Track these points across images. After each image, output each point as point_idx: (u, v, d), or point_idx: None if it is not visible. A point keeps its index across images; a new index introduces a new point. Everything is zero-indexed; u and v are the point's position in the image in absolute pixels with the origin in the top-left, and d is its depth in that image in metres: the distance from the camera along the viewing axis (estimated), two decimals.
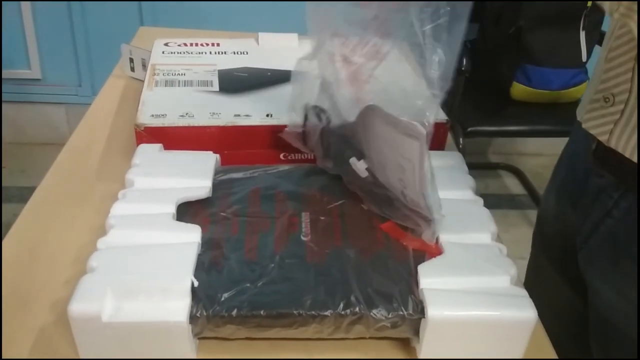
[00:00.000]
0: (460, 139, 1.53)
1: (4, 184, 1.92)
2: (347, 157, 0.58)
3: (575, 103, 1.70)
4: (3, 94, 2.04)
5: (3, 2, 1.88)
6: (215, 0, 1.89)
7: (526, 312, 0.47)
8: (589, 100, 0.59)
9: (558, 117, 1.66)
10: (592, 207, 0.59)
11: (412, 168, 0.51)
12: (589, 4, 1.58)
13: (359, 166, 0.57)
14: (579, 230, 0.62)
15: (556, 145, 2.54)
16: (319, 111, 0.62)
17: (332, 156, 0.62)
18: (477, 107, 1.64)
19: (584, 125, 0.59)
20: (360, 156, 0.58)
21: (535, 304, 0.48)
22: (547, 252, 0.72)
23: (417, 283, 0.49)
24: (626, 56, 0.54)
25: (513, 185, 2.15)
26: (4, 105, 2.07)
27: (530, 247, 0.78)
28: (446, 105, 0.64)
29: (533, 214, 2.03)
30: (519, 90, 1.65)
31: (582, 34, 1.60)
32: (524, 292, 0.49)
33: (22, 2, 1.87)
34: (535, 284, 0.74)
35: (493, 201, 1.98)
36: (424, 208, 0.52)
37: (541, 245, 0.74)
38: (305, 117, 0.63)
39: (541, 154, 2.26)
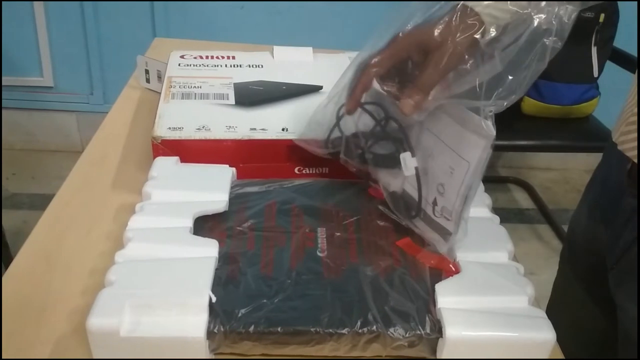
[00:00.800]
0: None
1: (14, 190, 1.93)
2: (394, 153, 0.58)
3: (586, 118, 1.70)
4: (15, 101, 2.06)
5: (16, 10, 1.89)
6: (225, 7, 1.90)
7: (544, 334, 0.46)
8: (625, 122, 0.59)
9: (569, 132, 1.66)
10: (625, 228, 0.59)
11: (465, 170, 0.50)
12: (601, 19, 1.58)
13: (409, 163, 0.56)
14: (610, 250, 0.62)
15: (566, 160, 2.53)
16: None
17: (362, 153, 0.61)
18: None
19: (619, 147, 0.59)
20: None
21: (558, 321, 0.48)
22: (575, 271, 0.72)
23: (434, 302, 0.48)
24: None
25: (522, 200, 2.14)
26: (15, 112, 2.09)
27: (558, 265, 0.78)
28: None
29: (542, 229, 2.02)
30: (530, 104, 1.65)
31: (594, 50, 1.60)
32: (542, 313, 0.48)
33: (35, 10, 1.89)
34: (561, 301, 0.74)
35: (502, 215, 1.96)
36: (455, 216, 0.52)
37: (569, 263, 0.74)
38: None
39: (551, 169, 2.25)
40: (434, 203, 0.54)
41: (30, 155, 2.16)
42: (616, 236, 0.60)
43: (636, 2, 1.55)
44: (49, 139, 2.15)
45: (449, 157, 0.52)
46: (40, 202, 1.84)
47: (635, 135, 0.57)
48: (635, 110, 0.57)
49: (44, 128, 2.14)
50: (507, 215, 2.05)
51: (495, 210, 0.62)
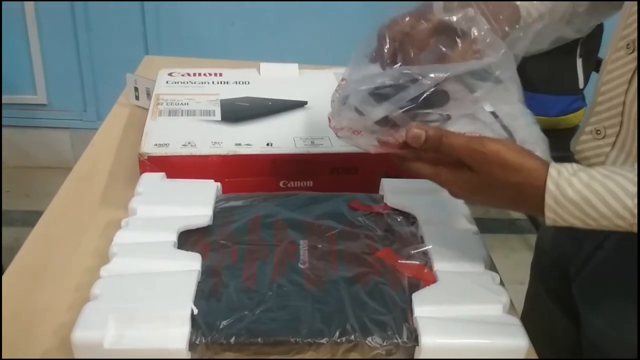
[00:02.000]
0: None
1: (7, 207, 1.93)
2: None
3: (573, 129, 1.72)
4: (9, 119, 2.07)
5: (9, 28, 1.91)
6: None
7: (518, 340, 0.48)
8: (582, 132, 0.60)
9: (556, 143, 1.67)
10: (586, 239, 0.60)
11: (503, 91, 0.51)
12: None
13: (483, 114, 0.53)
14: (573, 260, 0.63)
15: None
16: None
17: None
18: None
19: (576, 156, 0.61)
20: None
21: (531, 331, 0.49)
22: (543, 281, 0.73)
23: (411, 311, 0.50)
24: (617, 90, 0.55)
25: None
26: (9, 130, 2.10)
27: (529, 276, 0.79)
28: None
29: (533, 239, 2.03)
30: None
31: (579, 62, 1.63)
32: (517, 321, 0.50)
33: (29, 28, 1.91)
34: (532, 311, 0.75)
35: (493, 226, 1.98)
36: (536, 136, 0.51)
37: (538, 274, 0.75)
38: None
39: None
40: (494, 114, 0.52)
41: (23, 173, 2.16)
42: (578, 247, 0.62)
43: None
44: (43, 156, 2.16)
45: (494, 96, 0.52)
46: (34, 219, 1.83)
47: (591, 145, 0.59)
48: (592, 119, 0.58)
49: (38, 145, 2.15)
50: (498, 226, 2.06)
51: (487, 221, 0.63)
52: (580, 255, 0.61)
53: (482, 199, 0.48)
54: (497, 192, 0.46)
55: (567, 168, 0.44)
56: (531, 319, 0.60)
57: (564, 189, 0.43)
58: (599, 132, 0.58)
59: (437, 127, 0.49)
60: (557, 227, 0.46)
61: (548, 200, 0.43)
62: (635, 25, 0.53)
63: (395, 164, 0.52)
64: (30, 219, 0.68)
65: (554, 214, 0.44)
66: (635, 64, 0.53)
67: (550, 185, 0.43)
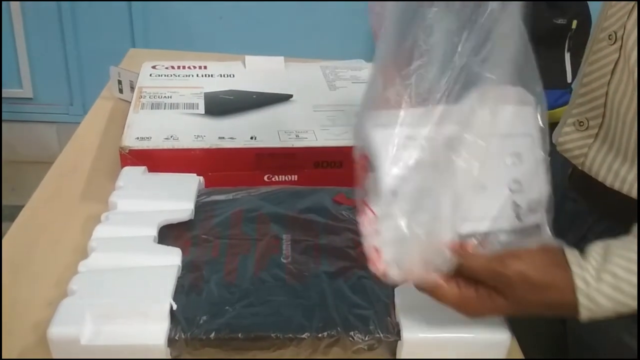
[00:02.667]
0: None
1: None
2: None
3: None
4: None
5: None
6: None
7: (500, 334, 0.48)
8: (564, 124, 0.60)
9: None
10: (568, 232, 0.60)
11: (531, 145, 0.45)
12: (574, 25, 1.61)
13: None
14: None
15: None
16: None
17: None
18: None
19: (558, 148, 0.60)
20: None
21: (517, 326, 0.49)
22: None
23: (394, 305, 0.49)
24: (599, 81, 0.55)
25: None
26: None
27: None
28: None
29: None
30: None
31: (567, 56, 1.63)
32: None
33: (14, 21, 1.89)
34: None
35: None
36: (547, 198, 0.47)
37: None
38: None
39: None
40: (516, 208, 0.46)
41: (10, 167, 2.14)
42: (562, 238, 0.62)
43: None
44: (29, 150, 2.14)
45: (504, 148, 0.45)
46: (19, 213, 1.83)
47: (573, 137, 0.58)
48: (574, 111, 0.58)
49: (24, 139, 2.13)
50: None
51: None
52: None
53: (513, 315, 0.47)
54: (530, 310, 0.45)
55: (589, 272, 0.43)
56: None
57: (596, 300, 0.43)
58: (581, 123, 0.57)
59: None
60: None
61: (583, 312, 0.43)
62: (618, 16, 0.53)
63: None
64: (16, 213, 0.67)
65: (589, 318, 0.44)
66: (617, 55, 0.53)
67: (582, 299, 0.43)
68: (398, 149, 0.43)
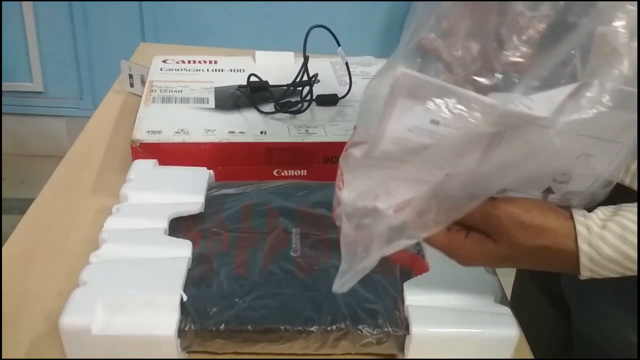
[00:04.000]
0: None
1: (4, 195, 1.93)
2: None
3: None
4: (5, 106, 2.06)
5: (5, 15, 1.90)
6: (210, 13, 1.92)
7: (509, 330, 0.47)
8: None
9: None
10: None
11: (615, 153, 0.42)
12: None
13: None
14: None
15: None
16: None
17: None
18: None
19: None
20: None
21: (520, 322, 0.49)
22: (532, 273, 0.73)
23: (402, 299, 0.50)
24: None
25: None
26: (5, 117, 2.09)
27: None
28: None
29: None
30: None
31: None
32: (507, 310, 0.49)
33: (25, 15, 1.90)
34: (520, 303, 0.75)
35: None
36: (588, 194, 0.44)
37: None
38: None
39: None
40: (548, 192, 0.44)
41: (20, 160, 2.16)
42: None
43: None
44: (39, 144, 2.15)
45: (579, 145, 0.41)
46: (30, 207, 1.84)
47: None
48: None
49: (34, 133, 2.14)
50: None
51: None
52: None
53: (505, 266, 0.45)
54: (523, 259, 0.43)
55: (594, 220, 0.41)
56: (519, 309, 0.59)
57: (599, 247, 0.40)
58: None
59: None
60: None
61: (583, 261, 0.41)
62: None
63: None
64: (26, 207, 0.68)
65: (590, 272, 0.41)
66: None
67: (582, 245, 0.40)
68: (415, 129, 0.40)
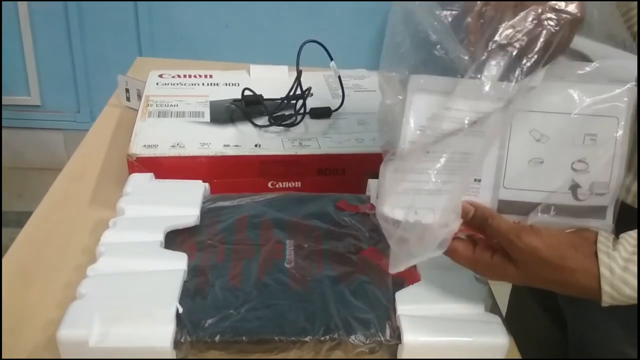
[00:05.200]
0: None
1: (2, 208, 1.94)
2: None
3: None
4: (3, 120, 2.07)
5: (3, 28, 1.92)
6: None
7: (499, 338, 0.48)
8: None
9: None
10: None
11: (614, 129, 0.45)
12: None
13: None
14: None
15: None
16: None
17: None
18: None
19: None
20: None
21: (517, 332, 0.50)
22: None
23: (394, 309, 0.50)
24: None
25: None
26: (3, 131, 2.10)
27: None
28: None
29: None
30: None
31: None
32: (498, 318, 0.50)
33: (22, 29, 1.91)
34: (516, 313, 0.75)
35: None
36: (616, 182, 0.46)
37: None
38: None
39: None
40: (575, 187, 0.47)
41: (17, 173, 2.16)
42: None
43: None
44: (37, 157, 2.16)
45: (579, 126, 0.45)
46: (27, 220, 1.85)
47: None
48: None
49: (32, 146, 2.15)
50: None
51: None
52: None
53: (519, 282, 0.48)
54: (542, 285, 0.46)
55: (617, 262, 0.43)
56: (515, 319, 0.60)
57: (620, 289, 0.43)
58: None
59: (487, 207, 0.47)
60: None
61: (605, 298, 0.43)
62: None
63: None
64: (24, 219, 0.68)
65: (609, 304, 0.44)
66: None
67: (605, 287, 0.43)
68: (433, 117, 0.45)
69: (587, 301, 0.56)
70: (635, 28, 0.48)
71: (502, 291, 0.74)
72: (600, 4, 0.45)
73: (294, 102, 0.79)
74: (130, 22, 1.92)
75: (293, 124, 0.77)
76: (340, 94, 0.82)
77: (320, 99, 0.84)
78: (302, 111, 0.78)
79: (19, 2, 1.88)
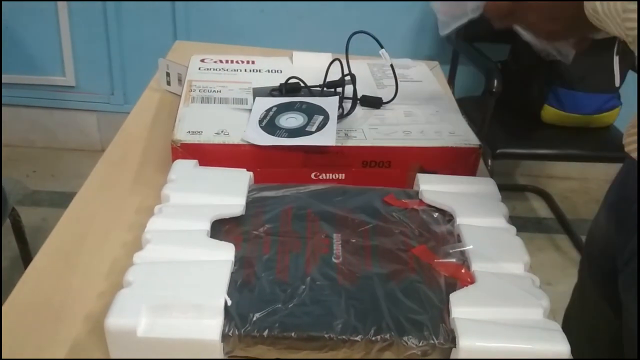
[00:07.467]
0: (489, 161, 1.51)
1: (34, 187, 1.96)
2: None
3: (607, 128, 1.68)
4: (37, 99, 2.09)
5: (41, 9, 1.93)
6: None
7: (558, 346, 0.46)
8: (630, 124, 0.59)
9: (588, 141, 1.64)
10: (635, 231, 0.59)
11: None
12: None
13: None
14: (621, 252, 0.62)
15: (585, 169, 2.49)
16: None
17: None
18: (507, 129, 1.63)
19: (626, 149, 0.59)
20: None
21: (575, 323, 0.47)
22: (592, 273, 0.73)
23: (448, 311, 0.48)
24: None
25: (540, 209, 2.12)
26: (37, 111, 2.12)
27: (576, 275, 0.78)
28: (476, 126, 0.63)
29: (560, 239, 2.00)
30: (549, 113, 1.63)
31: (616, 59, 1.59)
32: (557, 326, 0.48)
33: (59, 11, 1.92)
34: (578, 305, 0.75)
35: (519, 224, 1.95)
36: None
37: (587, 266, 0.75)
38: None
39: (570, 178, 2.23)
40: None
41: (50, 153, 2.19)
42: (627, 239, 0.61)
43: None
44: (69, 137, 2.18)
45: None
46: (60, 199, 1.87)
47: (633, 131, 0.56)
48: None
49: (65, 127, 2.17)
50: (524, 224, 2.03)
51: (513, 219, 0.61)
52: (628, 247, 0.60)
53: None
54: None
55: None
56: (576, 312, 0.58)
57: None
58: None
59: None
60: (608, 218, 0.44)
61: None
62: None
63: None
64: (56, 199, 0.68)
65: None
66: None
67: None
68: None
69: None
70: (636, 28, 0.47)
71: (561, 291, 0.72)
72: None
73: (340, 94, 0.77)
74: (165, 5, 1.91)
75: (342, 116, 0.75)
76: (387, 83, 0.80)
77: (364, 89, 0.82)
78: (351, 102, 0.76)
79: None
